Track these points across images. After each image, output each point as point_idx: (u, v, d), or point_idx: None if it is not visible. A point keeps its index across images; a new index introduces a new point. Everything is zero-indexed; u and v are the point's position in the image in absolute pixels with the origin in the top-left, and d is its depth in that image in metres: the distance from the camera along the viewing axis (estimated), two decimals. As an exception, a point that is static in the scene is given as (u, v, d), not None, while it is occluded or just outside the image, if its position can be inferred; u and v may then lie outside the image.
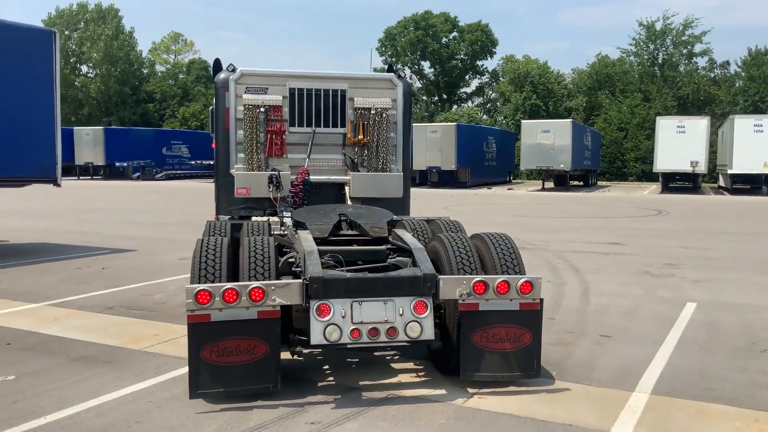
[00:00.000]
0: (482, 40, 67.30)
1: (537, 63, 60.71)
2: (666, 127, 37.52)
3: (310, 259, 5.18)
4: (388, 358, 6.30)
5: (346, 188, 8.63)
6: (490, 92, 70.35)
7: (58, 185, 12.99)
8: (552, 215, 22.62)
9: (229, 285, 4.85)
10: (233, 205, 8.45)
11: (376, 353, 6.35)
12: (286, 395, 5.20)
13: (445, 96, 69.85)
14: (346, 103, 8.65)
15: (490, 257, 5.61)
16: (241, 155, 8.43)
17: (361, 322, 5.01)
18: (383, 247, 6.02)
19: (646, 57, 60.69)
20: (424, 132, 40.61)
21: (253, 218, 7.70)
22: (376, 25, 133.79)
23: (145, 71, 74.42)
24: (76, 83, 67.65)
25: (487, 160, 45.59)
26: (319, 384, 5.56)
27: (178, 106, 68.35)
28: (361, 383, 5.56)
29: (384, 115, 8.63)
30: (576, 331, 7.31)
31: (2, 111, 11.95)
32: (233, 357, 4.90)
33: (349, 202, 8.49)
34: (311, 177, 8.34)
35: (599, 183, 48.97)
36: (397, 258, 5.79)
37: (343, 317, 4.98)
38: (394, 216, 7.81)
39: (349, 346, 5.07)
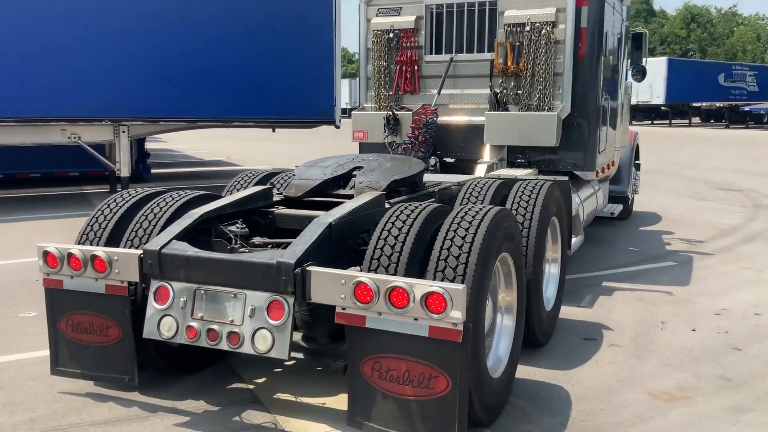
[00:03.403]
0: None
1: None
2: None
3: (172, 227, 3.93)
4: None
5: None
6: None
7: (338, 126, 13.36)
8: None
9: (74, 248, 3.96)
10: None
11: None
12: (166, 393, 4.14)
13: None
14: (496, 19, 6.56)
15: (437, 246, 3.51)
16: (371, 93, 7.13)
17: (202, 319, 3.61)
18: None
19: None
20: None
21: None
22: None
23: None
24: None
25: None
26: (230, 386, 4.29)
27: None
28: (276, 396, 4.12)
29: (543, 31, 6.27)
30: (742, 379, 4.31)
31: (285, 58, 12.58)
32: (87, 336, 4.03)
33: (487, 152, 6.53)
34: (439, 118, 6.61)
35: None
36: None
37: (183, 308, 3.65)
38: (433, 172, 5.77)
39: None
